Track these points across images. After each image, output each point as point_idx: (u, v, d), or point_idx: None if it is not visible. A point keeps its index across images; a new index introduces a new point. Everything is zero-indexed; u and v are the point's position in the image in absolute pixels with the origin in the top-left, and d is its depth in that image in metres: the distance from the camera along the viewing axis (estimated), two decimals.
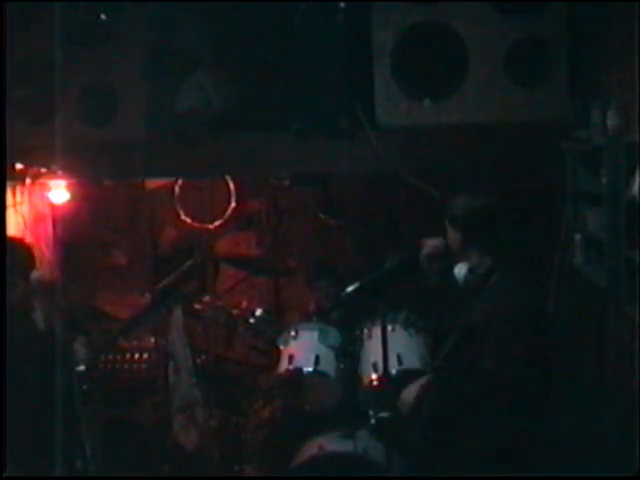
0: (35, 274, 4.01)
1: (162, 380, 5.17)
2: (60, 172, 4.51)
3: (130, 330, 5.09)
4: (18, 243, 4.09)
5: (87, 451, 3.76)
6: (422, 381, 3.59)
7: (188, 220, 5.80)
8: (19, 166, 4.64)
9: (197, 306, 5.43)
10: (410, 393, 3.55)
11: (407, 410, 3.52)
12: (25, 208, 5.06)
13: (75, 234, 5.43)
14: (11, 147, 3.76)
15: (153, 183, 5.91)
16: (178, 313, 5.22)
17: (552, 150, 4.04)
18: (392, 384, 4.05)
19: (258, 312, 5.31)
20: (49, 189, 5.00)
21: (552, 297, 4.06)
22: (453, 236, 3.55)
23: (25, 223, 4.96)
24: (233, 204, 5.73)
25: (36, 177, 4.91)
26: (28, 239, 4.69)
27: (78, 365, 3.94)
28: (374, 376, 4.27)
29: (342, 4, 4.16)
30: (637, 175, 3.11)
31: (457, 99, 4.10)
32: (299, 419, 4.68)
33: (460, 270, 3.52)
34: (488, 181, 4.51)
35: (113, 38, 4.29)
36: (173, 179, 5.75)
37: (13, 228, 4.71)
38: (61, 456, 3.35)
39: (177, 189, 5.80)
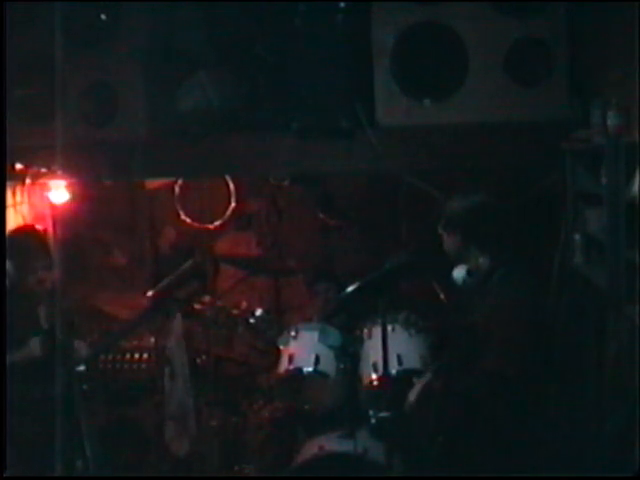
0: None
1: (162, 380, 5.16)
2: (60, 172, 4.51)
3: (128, 333, 5.09)
4: (33, 230, 4.38)
5: (87, 451, 3.75)
6: (424, 380, 3.59)
7: (188, 220, 5.80)
8: (19, 166, 4.64)
9: (197, 306, 5.42)
10: (414, 392, 3.55)
11: (410, 409, 3.51)
12: (25, 208, 5.06)
13: (75, 234, 5.42)
14: (11, 147, 3.76)
15: (153, 183, 5.91)
16: (178, 319, 5.22)
17: (552, 150, 4.04)
18: (392, 384, 4.05)
19: (258, 312, 5.30)
20: (49, 189, 4.99)
21: (552, 297, 4.07)
22: (450, 240, 3.54)
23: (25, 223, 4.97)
24: (233, 204, 5.72)
25: (36, 177, 4.91)
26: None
27: (78, 365, 3.93)
28: (374, 376, 4.27)
29: (342, 4, 4.16)
30: (637, 175, 3.11)
31: (457, 99, 4.10)
32: (299, 419, 4.68)
33: (459, 273, 3.52)
34: (488, 181, 4.51)
35: (113, 38, 4.30)
36: (173, 179, 5.74)
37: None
38: (61, 456, 3.34)
39: (177, 189, 5.80)
